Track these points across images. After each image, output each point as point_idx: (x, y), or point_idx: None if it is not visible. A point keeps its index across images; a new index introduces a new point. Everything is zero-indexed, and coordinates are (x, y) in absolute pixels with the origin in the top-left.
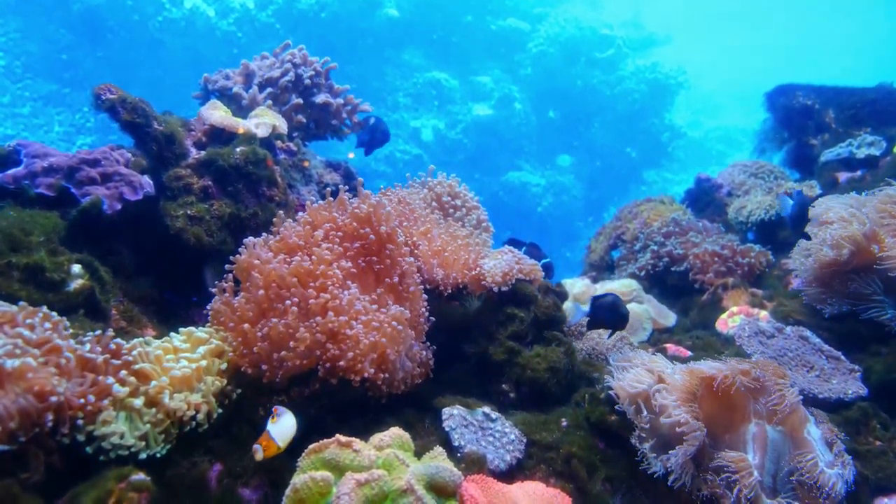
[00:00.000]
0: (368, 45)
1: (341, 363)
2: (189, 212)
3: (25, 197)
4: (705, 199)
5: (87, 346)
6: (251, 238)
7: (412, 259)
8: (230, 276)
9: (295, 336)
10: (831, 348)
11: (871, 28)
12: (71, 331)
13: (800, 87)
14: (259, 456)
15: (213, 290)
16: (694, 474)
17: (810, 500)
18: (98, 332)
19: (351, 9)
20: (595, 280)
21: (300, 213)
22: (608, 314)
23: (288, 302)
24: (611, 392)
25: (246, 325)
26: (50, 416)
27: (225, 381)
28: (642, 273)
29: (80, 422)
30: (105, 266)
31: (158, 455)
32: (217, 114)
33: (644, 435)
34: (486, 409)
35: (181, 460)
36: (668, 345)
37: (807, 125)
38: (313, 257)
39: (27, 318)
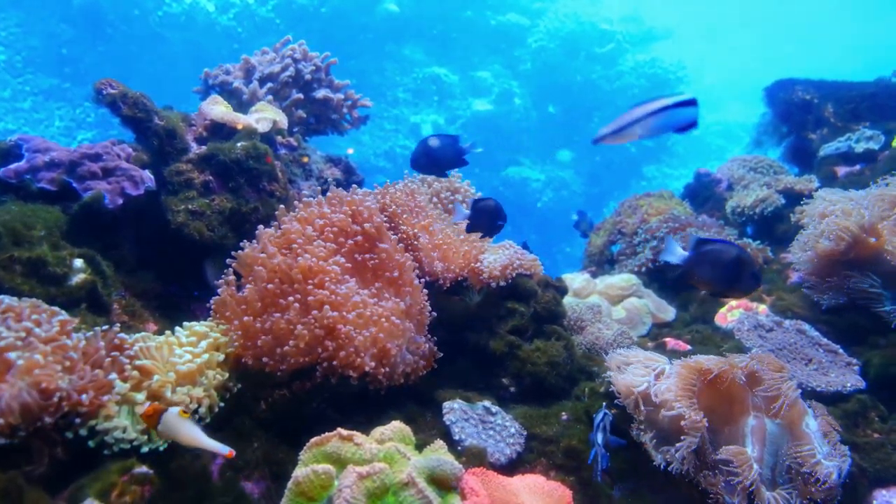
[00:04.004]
0: (368, 40)
1: (335, 362)
2: (190, 206)
3: (27, 191)
4: (705, 194)
5: (92, 342)
6: (268, 229)
7: (410, 253)
8: (231, 269)
9: (294, 333)
10: (829, 342)
11: (871, 22)
12: (73, 325)
13: (799, 81)
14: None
15: (214, 284)
16: (696, 465)
17: (808, 491)
18: (104, 327)
19: (351, 4)
20: (595, 274)
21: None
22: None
23: (290, 299)
24: (611, 388)
25: (247, 318)
26: (52, 411)
27: (227, 375)
28: (643, 269)
29: (77, 420)
30: (107, 260)
31: (161, 448)
32: (218, 109)
33: (644, 427)
34: (487, 403)
35: (184, 453)
36: (667, 339)
37: (806, 119)
38: (307, 255)
39: (34, 313)
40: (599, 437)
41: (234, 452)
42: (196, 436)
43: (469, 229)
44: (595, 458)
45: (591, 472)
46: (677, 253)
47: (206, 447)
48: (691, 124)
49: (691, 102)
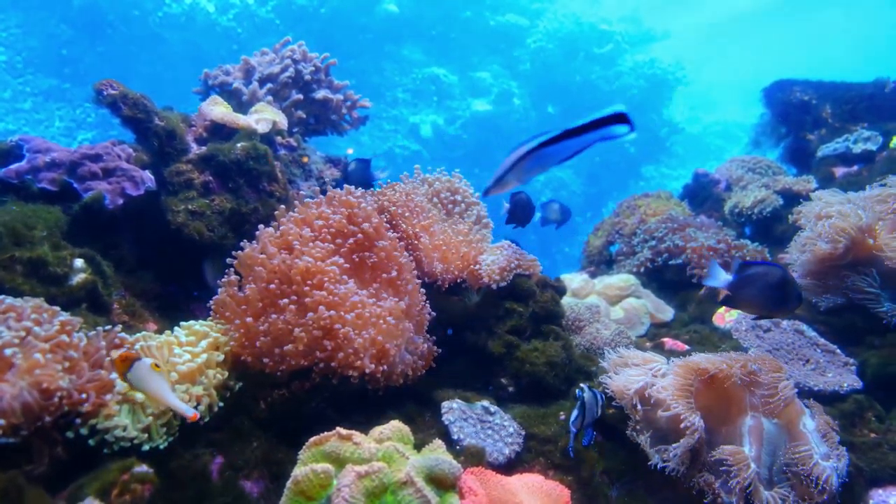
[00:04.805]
0: (368, 40)
1: (333, 363)
2: (190, 207)
3: (28, 192)
4: (703, 195)
5: (93, 342)
6: (268, 229)
7: (409, 253)
8: (232, 270)
9: (293, 334)
10: (827, 342)
11: (869, 23)
12: (75, 326)
13: (797, 82)
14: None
15: (213, 284)
16: (691, 466)
17: (805, 491)
18: (106, 327)
19: (350, 4)
20: (594, 275)
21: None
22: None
23: (286, 300)
24: (608, 389)
25: (249, 319)
26: (53, 411)
27: (226, 374)
28: (641, 269)
29: (78, 419)
30: (107, 260)
31: (161, 447)
32: (218, 109)
33: (640, 427)
34: (486, 403)
35: (183, 452)
36: (665, 339)
37: (804, 120)
38: (305, 257)
39: (34, 312)
40: (574, 414)
41: (198, 415)
42: (163, 391)
43: (507, 220)
44: (568, 435)
45: (590, 472)
46: (721, 277)
47: (170, 405)
48: (569, 156)
49: (557, 139)
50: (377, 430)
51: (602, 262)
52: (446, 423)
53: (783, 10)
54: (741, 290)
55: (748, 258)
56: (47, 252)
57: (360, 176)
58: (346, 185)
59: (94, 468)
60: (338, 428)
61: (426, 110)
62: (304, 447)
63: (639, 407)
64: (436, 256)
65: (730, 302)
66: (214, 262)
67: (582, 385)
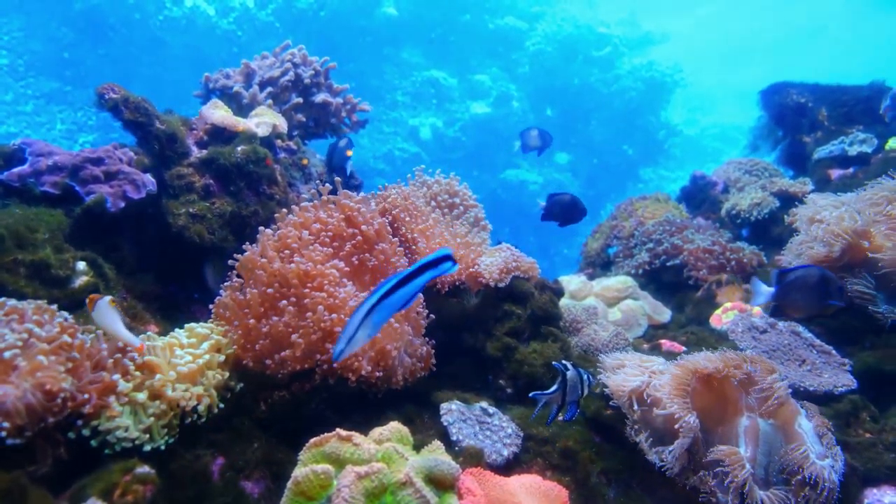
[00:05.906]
0: (367, 43)
1: (335, 365)
2: (191, 210)
3: (30, 195)
4: (701, 197)
5: (95, 343)
6: (268, 231)
7: (408, 256)
8: (234, 272)
9: (291, 339)
10: (822, 343)
11: (872, 23)
12: (80, 328)
13: (794, 85)
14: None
15: (214, 286)
16: (688, 466)
17: (801, 491)
18: None
19: (350, 7)
20: (591, 277)
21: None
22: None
23: (284, 302)
24: (606, 390)
25: (251, 321)
26: (56, 412)
27: (227, 374)
28: (639, 272)
29: (80, 421)
30: (108, 263)
31: (162, 447)
32: (218, 113)
33: (638, 427)
34: (484, 404)
35: (184, 453)
36: (662, 340)
37: (800, 123)
38: (297, 258)
39: (36, 314)
40: (552, 388)
41: (144, 346)
42: (113, 323)
43: (542, 217)
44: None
45: (587, 472)
46: (764, 291)
47: (118, 335)
48: (410, 299)
49: (394, 288)
50: (377, 431)
51: (600, 264)
52: (445, 424)
53: (784, 13)
54: (786, 298)
55: (744, 261)
56: (50, 255)
57: (341, 158)
58: (343, 190)
59: (96, 469)
60: (338, 429)
61: (425, 113)
62: (304, 448)
63: (636, 407)
64: None
65: (778, 312)
66: (215, 264)
67: (565, 361)
